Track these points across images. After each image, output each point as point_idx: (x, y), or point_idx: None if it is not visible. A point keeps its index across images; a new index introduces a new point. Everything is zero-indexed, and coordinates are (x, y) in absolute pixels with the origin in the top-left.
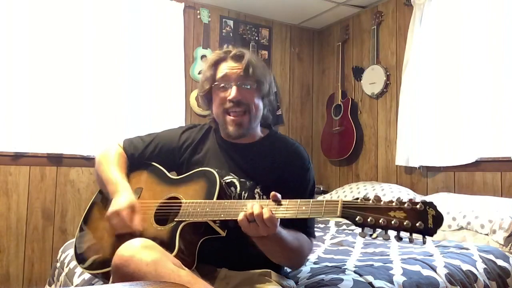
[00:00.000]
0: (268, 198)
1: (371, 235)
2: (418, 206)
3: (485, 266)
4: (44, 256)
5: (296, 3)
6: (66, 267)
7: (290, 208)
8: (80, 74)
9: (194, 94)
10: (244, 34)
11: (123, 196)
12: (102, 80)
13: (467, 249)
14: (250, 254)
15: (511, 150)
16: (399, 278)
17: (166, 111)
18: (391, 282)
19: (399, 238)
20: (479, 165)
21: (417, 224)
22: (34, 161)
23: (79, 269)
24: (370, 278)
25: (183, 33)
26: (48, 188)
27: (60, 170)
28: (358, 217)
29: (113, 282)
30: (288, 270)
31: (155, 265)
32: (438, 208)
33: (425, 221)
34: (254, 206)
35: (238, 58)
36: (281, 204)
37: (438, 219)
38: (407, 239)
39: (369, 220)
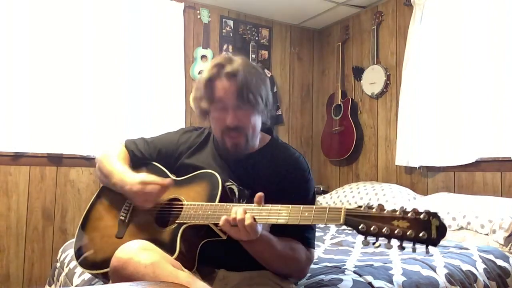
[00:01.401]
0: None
1: (374, 243)
2: (421, 216)
3: (485, 266)
4: (44, 256)
5: (296, 3)
6: (66, 267)
7: (292, 214)
8: (80, 74)
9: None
10: (244, 34)
11: (134, 175)
12: (102, 80)
13: (467, 249)
14: (249, 255)
15: (511, 150)
16: (398, 278)
17: (166, 111)
18: (391, 282)
19: (402, 248)
20: (479, 165)
21: (421, 234)
22: (34, 161)
23: (79, 269)
24: (369, 278)
25: (183, 33)
26: (48, 188)
27: (60, 170)
28: (361, 225)
29: (111, 280)
30: None
31: (153, 267)
32: (442, 219)
33: (428, 231)
34: (238, 210)
35: (231, 76)
36: (263, 209)
37: (442, 230)
38: (410, 249)
39: (372, 228)
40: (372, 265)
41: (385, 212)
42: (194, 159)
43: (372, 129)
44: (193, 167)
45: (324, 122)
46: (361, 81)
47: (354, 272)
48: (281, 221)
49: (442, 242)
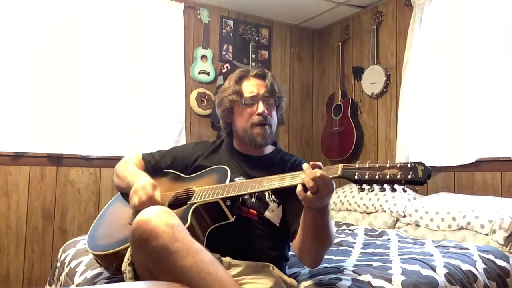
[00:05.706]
0: (277, 198)
1: (369, 189)
2: (409, 165)
3: (485, 266)
4: (44, 256)
5: (296, 3)
6: (67, 267)
7: (292, 176)
8: (80, 74)
9: (194, 94)
10: (244, 34)
11: (144, 178)
12: (102, 80)
13: (467, 249)
14: (255, 247)
15: (511, 150)
16: (398, 278)
17: (166, 111)
18: (390, 281)
19: (393, 190)
20: (479, 165)
21: (409, 176)
22: (34, 161)
23: (80, 268)
24: (368, 278)
25: (183, 33)
26: (48, 188)
27: (60, 170)
28: (357, 173)
29: (130, 243)
30: (289, 271)
31: (173, 229)
32: (427, 165)
33: (415, 173)
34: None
35: (260, 76)
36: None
37: (427, 172)
38: (401, 190)
39: (366, 176)
40: (371, 264)
41: (376, 165)
42: (209, 161)
43: (372, 129)
44: (208, 167)
45: (324, 122)
46: (361, 81)
47: (353, 271)
48: (286, 184)
49: (442, 242)
